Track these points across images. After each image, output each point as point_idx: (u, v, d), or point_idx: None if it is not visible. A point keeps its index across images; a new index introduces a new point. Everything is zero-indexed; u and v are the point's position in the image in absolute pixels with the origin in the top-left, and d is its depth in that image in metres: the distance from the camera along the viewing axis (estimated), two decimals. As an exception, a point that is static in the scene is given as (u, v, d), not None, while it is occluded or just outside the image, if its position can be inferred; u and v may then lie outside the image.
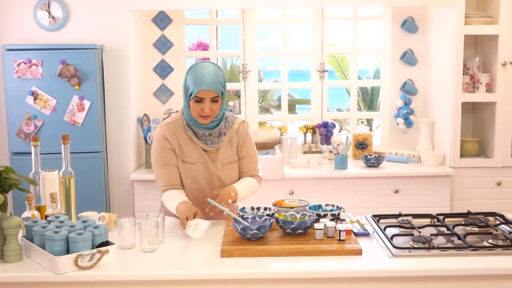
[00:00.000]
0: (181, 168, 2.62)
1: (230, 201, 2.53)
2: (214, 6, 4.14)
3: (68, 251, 2.06)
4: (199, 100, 2.47)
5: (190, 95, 2.48)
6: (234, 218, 2.37)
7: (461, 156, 4.09)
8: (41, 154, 2.50)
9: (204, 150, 2.61)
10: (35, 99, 3.86)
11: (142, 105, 4.36)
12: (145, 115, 4.25)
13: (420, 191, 4.02)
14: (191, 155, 2.60)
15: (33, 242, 2.15)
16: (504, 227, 2.54)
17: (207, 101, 2.46)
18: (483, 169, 4.07)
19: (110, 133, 4.05)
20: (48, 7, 3.92)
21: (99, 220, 2.44)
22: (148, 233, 2.23)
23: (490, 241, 2.31)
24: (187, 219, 2.38)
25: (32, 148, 2.45)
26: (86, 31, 3.95)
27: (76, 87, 3.86)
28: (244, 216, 2.41)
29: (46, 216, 2.32)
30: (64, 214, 2.34)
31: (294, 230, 2.31)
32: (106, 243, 2.13)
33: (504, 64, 3.95)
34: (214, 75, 2.47)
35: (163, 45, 4.48)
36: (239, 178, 2.73)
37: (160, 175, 2.62)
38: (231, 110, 2.74)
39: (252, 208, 2.57)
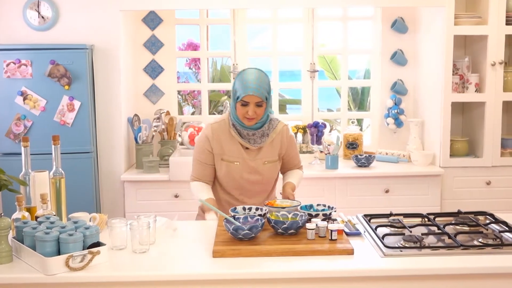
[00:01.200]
0: (220, 165, 2.82)
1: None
2: (204, 6, 4.13)
3: (59, 252, 2.05)
4: (245, 104, 2.67)
5: (237, 99, 2.68)
6: (226, 218, 2.37)
7: (451, 155, 4.11)
8: (30, 154, 2.48)
9: (246, 149, 2.80)
10: (24, 99, 3.84)
11: (132, 105, 4.35)
12: (136, 115, 4.23)
13: (410, 190, 4.04)
14: (230, 153, 2.80)
15: (23, 243, 2.14)
16: (494, 226, 2.56)
17: (252, 105, 2.66)
18: (472, 169, 4.10)
19: (100, 134, 4.03)
20: (38, 6, 3.89)
21: (90, 221, 2.43)
22: (139, 234, 2.23)
23: (480, 240, 2.33)
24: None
25: (22, 148, 2.44)
26: (76, 31, 3.93)
27: (66, 87, 3.84)
28: (236, 216, 2.41)
29: (37, 217, 2.30)
30: (54, 215, 2.33)
31: (286, 230, 2.31)
32: (97, 244, 2.12)
33: (493, 64, 3.98)
34: (260, 82, 2.67)
35: (153, 45, 4.47)
36: (286, 171, 3.02)
37: (195, 169, 2.88)
38: (273, 112, 2.96)
39: (244, 208, 2.57)
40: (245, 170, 2.80)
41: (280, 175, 3.04)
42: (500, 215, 2.68)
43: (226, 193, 2.87)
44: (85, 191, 3.93)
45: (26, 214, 2.33)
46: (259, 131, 2.77)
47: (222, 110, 4.35)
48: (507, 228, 2.50)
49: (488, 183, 4.10)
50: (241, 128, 2.75)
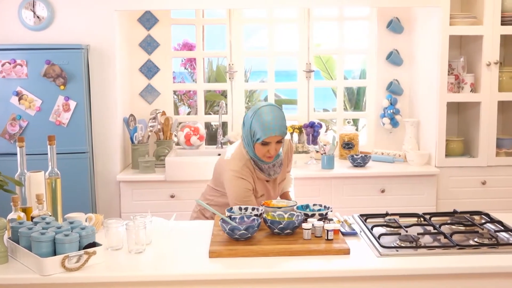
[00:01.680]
0: (256, 200, 2.82)
1: None
2: (200, 6, 4.14)
3: (55, 253, 2.04)
4: (265, 143, 2.67)
5: (257, 140, 2.67)
6: (222, 218, 2.37)
7: (446, 155, 4.12)
8: (26, 155, 2.47)
9: (267, 181, 2.84)
10: (20, 99, 3.83)
11: (128, 106, 4.34)
12: (131, 115, 4.23)
13: (406, 190, 4.04)
14: (258, 189, 2.82)
15: (19, 244, 2.13)
16: (490, 225, 2.57)
17: (273, 144, 2.68)
18: (468, 169, 4.11)
19: (96, 134, 4.02)
20: (33, 6, 3.88)
21: (86, 221, 2.43)
22: (135, 234, 2.22)
23: (476, 239, 2.33)
24: None
25: (18, 149, 2.43)
26: (71, 31, 3.92)
27: (62, 87, 3.83)
28: (232, 217, 2.41)
29: (32, 218, 2.30)
30: (50, 216, 2.33)
31: (282, 230, 2.31)
32: (93, 245, 2.12)
33: (488, 64, 3.99)
34: (280, 120, 2.67)
35: (149, 45, 4.46)
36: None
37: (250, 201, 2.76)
38: None
39: (240, 209, 2.57)
40: (267, 198, 2.86)
41: None
42: (495, 215, 2.69)
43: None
44: (80, 192, 3.92)
45: (22, 214, 2.32)
46: (277, 161, 2.82)
47: (218, 111, 4.34)
48: (502, 228, 2.50)
49: (484, 183, 4.11)
50: (261, 162, 2.76)
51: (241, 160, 2.77)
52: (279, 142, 2.69)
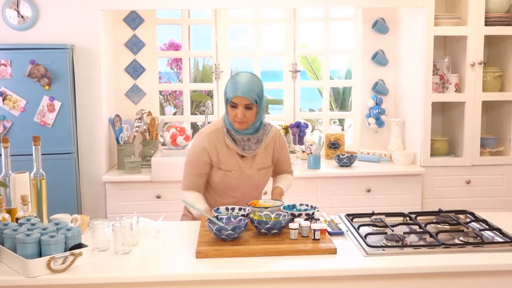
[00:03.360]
0: (216, 173, 2.78)
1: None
2: (186, 6, 4.12)
3: (40, 254, 2.03)
4: (234, 106, 2.65)
5: (227, 100, 2.68)
6: (209, 218, 2.36)
7: (431, 155, 4.15)
8: (10, 155, 2.45)
9: (242, 157, 2.78)
10: (4, 99, 3.79)
11: (113, 106, 4.32)
12: (117, 115, 4.21)
13: (391, 190, 4.07)
14: (227, 162, 2.76)
15: (4, 246, 2.11)
16: (475, 224, 2.59)
17: (241, 107, 2.64)
18: (452, 168, 4.14)
19: (81, 134, 3.99)
20: (17, 6, 3.85)
21: (71, 222, 2.41)
22: (122, 235, 2.21)
23: (461, 238, 2.35)
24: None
25: (2, 149, 2.41)
26: (56, 30, 3.89)
27: (46, 87, 3.80)
28: (219, 217, 2.41)
29: (17, 219, 2.28)
30: (35, 217, 2.31)
31: (269, 230, 2.32)
32: (79, 246, 2.11)
33: (472, 65, 4.02)
34: (249, 84, 2.66)
35: (134, 45, 4.44)
36: (276, 175, 3.02)
37: (189, 179, 2.80)
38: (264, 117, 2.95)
39: (227, 209, 2.57)
40: (241, 178, 2.78)
41: (270, 179, 3.02)
42: (480, 214, 2.71)
43: (220, 198, 2.83)
44: (66, 193, 3.89)
45: (7, 216, 2.29)
46: (254, 137, 2.76)
47: (204, 111, 4.34)
48: (487, 227, 2.53)
49: (468, 182, 4.15)
50: (235, 133, 2.72)
51: (215, 126, 2.80)
52: (249, 109, 2.65)
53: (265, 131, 2.81)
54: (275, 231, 2.32)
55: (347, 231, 2.48)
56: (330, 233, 2.41)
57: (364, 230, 2.47)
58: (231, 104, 2.66)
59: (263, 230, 2.32)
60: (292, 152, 4.50)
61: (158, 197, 3.94)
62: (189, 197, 2.76)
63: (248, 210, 2.53)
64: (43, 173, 2.45)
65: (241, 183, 2.79)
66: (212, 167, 2.77)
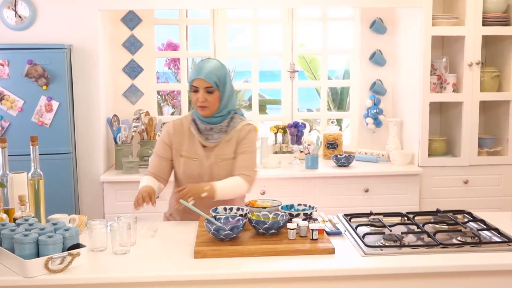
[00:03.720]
0: (179, 162, 2.78)
1: (204, 194, 2.56)
2: (184, 6, 4.12)
3: (38, 255, 2.02)
4: (196, 90, 2.66)
5: (190, 86, 2.69)
6: (207, 218, 2.36)
7: (429, 155, 4.16)
8: (8, 155, 2.45)
9: (204, 147, 2.74)
10: (1, 99, 3.78)
11: (111, 106, 4.31)
12: (115, 115, 4.20)
13: (389, 190, 4.07)
14: (189, 150, 2.76)
15: (1, 246, 2.11)
16: (472, 224, 2.59)
17: (202, 91, 2.64)
18: (450, 168, 4.14)
19: (79, 134, 3.99)
20: (15, 6, 3.84)
21: (69, 222, 2.41)
22: (120, 235, 2.21)
23: (459, 238, 2.35)
24: (142, 200, 2.57)
25: (0, 149, 2.40)
26: (54, 30, 3.89)
27: (44, 87, 3.79)
28: (217, 217, 2.41)
29: (15, 219, 2.27)
30: (33, 217, 2.30)
31: (267, 230, 2.32)
32: (77, 246, 2.11)
33: (470, 65, 4.03)
34: (211, 68, 2.66)
35: (132, 45, 4.44)
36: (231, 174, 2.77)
37: (151, 162, 2.87)
38: (243, 114, 2.89)
39: (225, 209, 2.57)
40: (202, 167, 2.74)
41: None
42: (478, 214, 2.72)
43: None
44: (63, 193, 3.88)
45: (4, 216, 2.29)
46: (216, 126, 2.73)
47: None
48: (485, 227, 2.53)
49: (466, 182, 4.15)
50: (200, 122, 2.73)
51: (185, 115, 2.87)
52: (211, 92, 2.63)
53: (232, 124, 2.76)
54: (273, 231, 2.32)
55: (345, 231, 2.48)
56: (328, 233, 2.41)
57: (362, 230, 2.47)
58: (193, 88, 2.66)
59: (261, 230, 2.32)
60: (290, 152, 4.51)
61: (156, 197, 3.93)
62: (142, 180, 2.79)
63: (246, 210, 2.53)
64: (41, 173, 2.44)
65: (202, 172, 2.74)
66: (173, 153, 2.79)
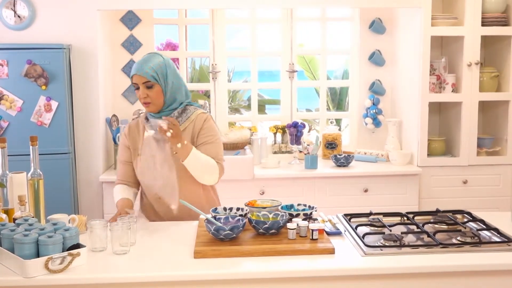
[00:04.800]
0: (137, 162, 2.71)
1: (179, 145, 2.48)
2: (183, 6, 4.12)
3: (38, 255, 2.02)
4: (137, 88, 2.58)
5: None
6: (206, 218, 2.36)
7: (428, 155, 4.16)
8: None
9: (157, 141, 2.61)
10: (0, 99, 3.78)
11: (110, 106, 4.31)
12: (114, 115, 4.20)
13: (388, 189, 4.07)
14: (145, 148, 2.66)
15: (1, 246, 2.10)
16: (472, 224, 2.59)
17: (141, 87, 2.56)
18: (449, 168, 4.15)
19: (78, 134, 3.99)
20: (14, 5, 3.84)
21: (69, 222, 2.41)
22: (120, 235, 2.21)
23: (458, 238, 2.35)
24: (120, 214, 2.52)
25: (0, 149, 2.40)
26: (53, 30, 3.88)
27: (43, 87, 3.79)
28: (217, 217, 2.41)
29: (15, 219, 2.27)
30: (33, 217, 2.30)
31: (267, 230, 2.31)
32: (77, 246, 2.10)
33: (469, 65, 4.03)
34: (144, 61, 2.57)
35: (131, 45, 4.44)
36: None
37: (118, 170, 2.83)
38: (201, 106, 2.79)
39: (225, 209, 2.57)
40: (157, 162, 2.62)
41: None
42: (477, 214, 2.72)
43: (150, 196, 2.74)
44: (63, 193, 3.88)
45: (4, 216, 2.29)
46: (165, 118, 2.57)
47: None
48: (484, 226, 2.53)
49: (465, 182, 4.15)
50: (151, 118, 2.62)
51: (138, 117, 2.82)
52: (150, 87, 2.54)
53: (185, 115, 2.67)
54: (273, 231, 2.32)
55: (345, 231, 2.48)
56: (328, 233, 2.41)
57: (362, 230, 2.47)
58: (134, 86, 2.59)
59: (261, 230, 2.32)
60: (289, 152, 4.51)
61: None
62: (115, 190, 2.78)
63: (246, 210, 2.53)
64: (41, 173, 2.44)
65: (160, 168, 2.62)
66: (132, 155, 2.72)
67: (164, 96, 2.60)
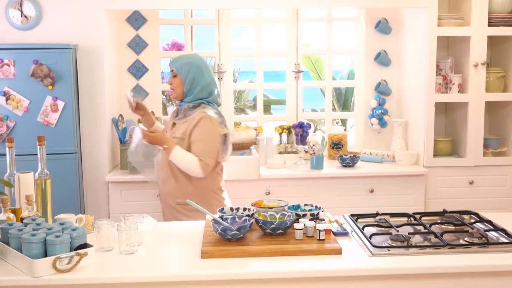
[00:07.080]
0: None
1: (165, 146, 3.02)
2: (189, 6, 4.12)
3: (45, 254, 2.03)
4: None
5: None
6: (213, 219, 2.36)
7: (435, 155, 4.15)
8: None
9: (174, 124, 3.15)
10: (7, 99, 3.79)
11: (116, 106, 4.32)
12: (120, 115, 4.21)
13: (394, 190, 4.06)
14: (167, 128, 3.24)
15: (9, 245, 2.11)
16: (479, 225, 2.59)
17: (171, 75, 3.13)
18: (456, 168, 4.14)
19: (85, 134, 3.99)
20: (21, 6, 3.85)
21: (76, 222, 2.41)
22: (127, 234, 2.21)
23: (466, 239, 2.35)
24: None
25: (7, 149, 2.41)
26: (59, 30, 3.89)
27: (50, 87, 3.80)
28: (224, 217, 2.41)
29: (22, 219, 2.28)
30: (40, 217, 2.31)
31: (274, 230, 2.31)
32: (85, 246, 2.11)
33: (475, 65, 4.02)
34: (180, 57, 3.14)
35: (137, 45, 4.44)
36: None
37: None
38: (216, 103, 3.25)
39: (232, 209, 2.57)
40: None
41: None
42: (484, 214, 2.71)
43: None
44: (69, 192, 3.89)
45: (11, 215, 2.29)
46: (181, 107, 3.11)
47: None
48: (492, 227, 2.53)
49: (471, 183, 4.14)
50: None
51: None
52: (175, 76, 3.10)
53: (195, 110, 3.06)
54: (280, 231, 2.32)
55: (351, 231, 2.48)
56: (335, 234, 2.41)
57: (369, 230, 2.47)
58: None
59: (268, 230, 2.32)
60: (295, 152, 4.51)
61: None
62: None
63: (253, 210, 2.53)
64: (48, 172, 2.45)
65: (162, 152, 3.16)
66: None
67: (183, 87, 3.07)
